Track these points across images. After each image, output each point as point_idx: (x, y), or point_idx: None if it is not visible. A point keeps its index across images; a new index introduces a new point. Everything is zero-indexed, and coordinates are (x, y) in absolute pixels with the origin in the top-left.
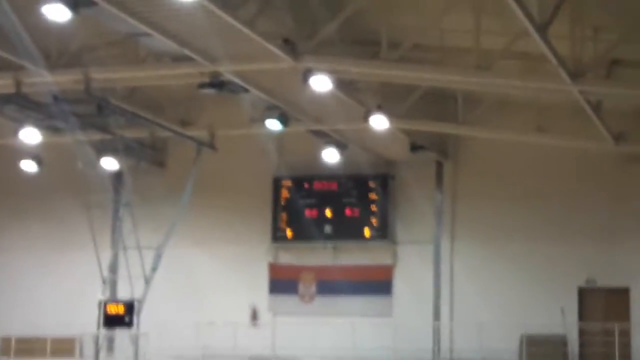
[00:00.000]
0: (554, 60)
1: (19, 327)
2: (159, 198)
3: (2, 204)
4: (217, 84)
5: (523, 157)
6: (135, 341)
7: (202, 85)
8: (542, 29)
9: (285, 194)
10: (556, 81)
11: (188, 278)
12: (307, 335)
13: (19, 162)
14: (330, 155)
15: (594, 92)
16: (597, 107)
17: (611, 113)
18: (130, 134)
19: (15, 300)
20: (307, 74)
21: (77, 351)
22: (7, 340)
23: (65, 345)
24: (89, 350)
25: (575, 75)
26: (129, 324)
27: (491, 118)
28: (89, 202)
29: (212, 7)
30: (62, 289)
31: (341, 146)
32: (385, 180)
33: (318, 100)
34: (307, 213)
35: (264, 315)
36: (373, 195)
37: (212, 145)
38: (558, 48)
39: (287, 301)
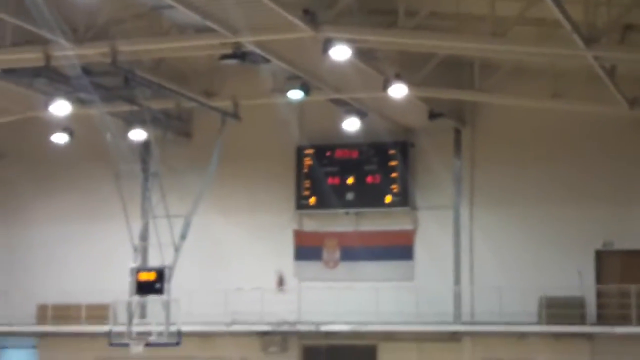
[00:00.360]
0: (568, 26)
1: (55, 295)
2: (185, 168)
3: (34, 175)
4: (239, 54)
5: (539, 122)
6: (166, 307)
7: (224, 57)
8: None
9: (307, 162)
10: (570, 47)
11: (215, 245)
12: (331, 300)
13: (50, 134)
14: (351, 124)
15: (608, 58)
16: (611, 72)
17: (625, 78)
18: (157, 105)
19: (50, 269)
20: (326, 43)
21: (110, 317)
22: (43, 308)
23: (99, 312)
24: (122, 316)
25: (590, 40)
26: (160, 291)
27: (507, 84)
28: (118, 172)
29: None
30: (95, 257)
31: (361, 114)
32: (404, 148)
33: (338, 69)
34: (330, 181)
35: (290, 281)
36: (393, 163)
37: (236, 116)
38: (572, 13)
39: (312, 267)
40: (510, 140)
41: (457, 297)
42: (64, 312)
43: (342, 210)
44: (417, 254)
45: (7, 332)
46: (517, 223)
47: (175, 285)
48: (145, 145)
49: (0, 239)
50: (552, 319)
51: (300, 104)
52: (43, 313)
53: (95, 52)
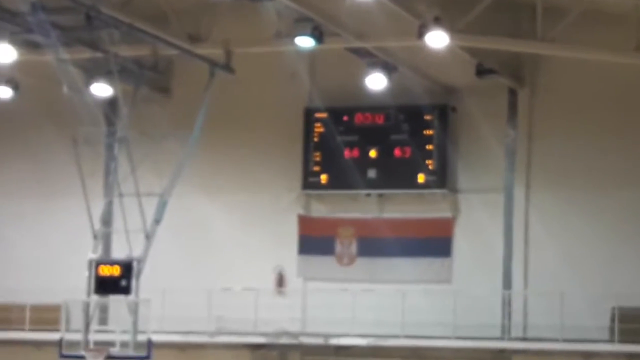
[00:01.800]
0: None
1: None
2: (162, 133)
3: None
4: None
5: (619, 82)
6: (133, 310)
7: None
8: None
9: (319, 129)
10: None
11: (198, 233)
12: (345, 306)
13: None
14: (376, 81)
15: None
16: None
17: None
18: (127, 52)
19: None
20: None
21: (62, 322)
22: None
23: (47, 315)
24: (76, 320)
25: None
26: (126, 290)
27: (579, 33)
28: (76, 137)
29: None
30: (44, 245)
31: (389, 69)
32: (444, 113)
33: (360, 10)
34: (347, 153)
35: (292, 281)
36: (429, 132)
37: (227, 67)
38: None
39: (321, 263)
40: (581, 104)
41: (507, 305)
42: (3, 314)
43: (361, 192)
44: (457, 249)
45: None
46: (587, 212)
47: (146, 282)
48: (112, 103)
49: None
50: (626, 336)
51: (310, 54)
52: None
53: None
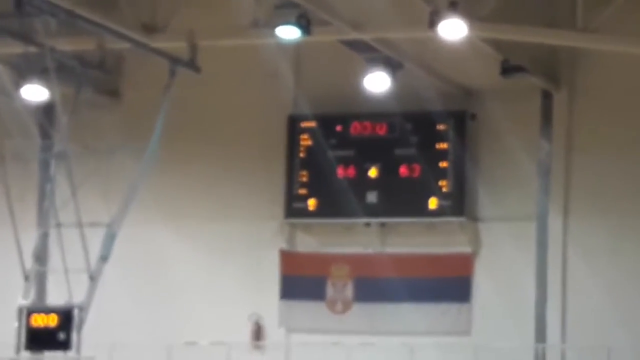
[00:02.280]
0: None
1: None
2: (110, 147)
3: None
4: None
5: None
6: None
7: None
8: None
9: (306, 142)
10: None
11: (156, 273)
12: None
13: None
14: (377, 82)
15: None
16: None
17: None
18: (66, 46)
19: None
20: None
21: None
22: None
23: None
24: None
25: None
26: (65, 344)
27: (628, 22)
28: (2, 152)
29: None
30: None
31: (393, 67)
32: (461, 121)
33: None
34: (341, 172)
35: (273, 333)
36: (443, 145)
37: (192, 65)
38: None
39: (309, 310)
40: (632, 110)
41: None
42: None
43: (359, 221)
44: (478, 293)
45: None
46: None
47: (90, 335)
48: (48, 110)
49: None
50: None
51: (295, 49)
52: None
53: None
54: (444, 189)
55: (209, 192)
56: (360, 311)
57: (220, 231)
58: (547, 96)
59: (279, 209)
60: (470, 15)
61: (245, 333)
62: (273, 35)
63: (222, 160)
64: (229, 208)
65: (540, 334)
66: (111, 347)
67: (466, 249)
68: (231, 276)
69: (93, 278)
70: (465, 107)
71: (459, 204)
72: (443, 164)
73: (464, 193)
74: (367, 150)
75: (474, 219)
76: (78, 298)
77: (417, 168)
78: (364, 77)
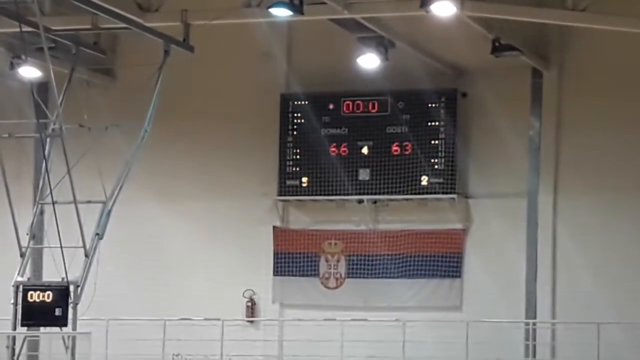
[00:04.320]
0: None
1: None
2: (105, 125)
3: None
4: None
5: None
6: (70, 347)
7: None
8: None
9: (298, 120)
10: None
11: (150, 250)
12: (331, 339)
13: None
14: (368, 61)
15: None
16: None
17: None
18: (60, 24)
19: None
20: None
21: None
22: None
23: None
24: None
25: None
26: (61, 320)
27: (618, 2)
28: None
29: None
30: None
31: (385, 47)
32: (452, 100)
33: None
34: (333, 150)
35: (267, 309)
36: (434, 123)
37: (185, 44)
38: None
39: (302, 286)
40: (621, 88)
41: (531, 336)
42: None
43: (351, 198)
44: (469, 269)
45: None
46: (628, 222)
47: (86, 311)
48: (42, 89)
49: None
50: None
51: (288, 28)
52: None
53: None
54: (436, 167)
55: (203, 170)
56: (353, 287)
57: (214, 209)
58: (537, 75)
59: (272, 186)
60: None
61: (239, 309)
62: (266, 14)
63: (215, 138)
64: (223, 186)
65: (531, 310)
66: (107, 323)
67: (457, 225)
68: (225, 253)
69: (88, 255)
70: (456, 86)
71: (450, 181)
72: (434, 142)
73: (455, 170)
74: (359, 129)
75: (465, 196)
76: (74, 275)
77: (408, 146)
78: (355, 56)
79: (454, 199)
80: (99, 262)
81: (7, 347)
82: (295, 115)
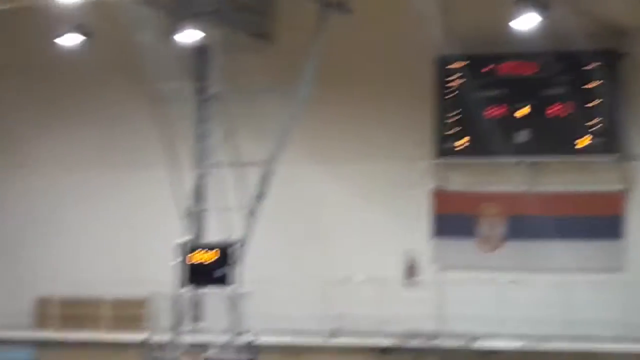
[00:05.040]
0: None
1: (63, 284)
2: (263, 89)
3: (32, 99)
4: None
5: None
6: (234, 306)
7: None
8: None
9: (455, 82)
10: None
11: (310, 211)
12: (491, 301)
13: (56, 35)
14: (526, 22)
15: None
16: None
17: None
18: None
19: (56, 245)
20: None
21: (147, 319)
22: (45, 303)
23: (130, 311)
24: (164, 317)
25: None
26: (224, 280)
27: None
28: (158, 94)
29: None
30: (123, 227)
31: (543, 6)
32: (612, 60)
33: None
34: (490, 112)
35: (426, 270)
36: (593, 84)
37: (342, 7)
38: None
39: (461, 248)
40: None
41: None
42: (77, 311)
43: (509, 160)
44: (631, 230)
45: None
46: None
47: (248, 271)
48: (201, 53)
49: None
50: None
51: None
52: (45, 311)
53: None
54: (595, 128)
55: (359, 133)
56: (512, 249)
57: (371, 171)
58: None
59: (428, 149)
60: None
61: (398, 270)
62: None
63: (371, 101)
64: (380, 148)
65: None
66: (268, 283)
67: (618, 187)
68: (383, 214)
69: (250, 216)
70: (616, 46)
71: (610, 142)
72: (593, 103)
73: (615, 131)
74: (517, 90)
75: (626, 157)
76: (236, 235)
77: (567, 107)
78: (512, 17)
79: (614, 160)
80: (260, 222)
81: (172, 306)
82: (452, 77)
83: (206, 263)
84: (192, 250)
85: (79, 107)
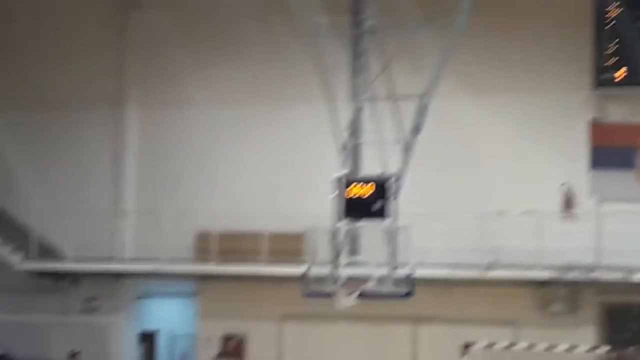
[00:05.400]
0: None
1: (222, 218)
2: (418, 20)
3: (185, 35)
4: None
5: None
6: (391, 239)
7: None
8: None
9: (613, 12)
10: None
11: (464, 143)
12: None
13: None
14: None
15: None
16: None
17: None
18: None
19: (215, 180)
20: None
21: (305, 253)
22: (205, 237)
23: (287, 245)
24: (322, 251)
25: None
26: (381, 213)
27: None
28: (314, 29)
29: None
30: (281, 162)
31: None
32: None
33: None
34: None
35: (584, 202)
36: None
37: None
38: None
39: (619, 180)
40: None
41: None
42: (236, 245)
43: None
44: None
45: (153, 273)
46: None
47: (404, 205)
48: None
49: (142, 137)
50: None
51: None
52: (205, 246)
53: None
54: None
55: (516, 64)
56: None
57: (527, 102)
58: None
59: (586, 79)
60: None
61: (555, 202)
62: None
63: (528, 31)
64: (535, 78)
65: None
66: (425, 216)
67: None
68: (540, 146)
69: (406, 149)
70: None
71: None
72: None
73: None
74: None
75: None
76: (393, 169)
77: None
78: None
79: None
80: (416, 155)
81: (330, 240)
82: (610, 7)
83: (363, 197)
84: (348, 184)
85: (233, 43)
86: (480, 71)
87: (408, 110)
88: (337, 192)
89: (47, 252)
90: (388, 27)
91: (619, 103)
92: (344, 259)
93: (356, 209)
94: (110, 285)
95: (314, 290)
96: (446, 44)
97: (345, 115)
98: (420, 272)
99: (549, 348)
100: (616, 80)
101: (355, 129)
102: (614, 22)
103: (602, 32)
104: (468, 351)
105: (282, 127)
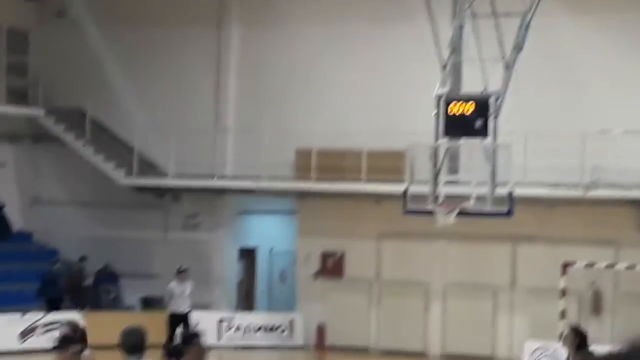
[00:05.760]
0: None
1: (321, 136)
2: None
3: None
4: None
5: None
6: (491, 157)
7: None
8: None
9: None
10: None
11: (566, 62)
12: None
13: None
14: None
15: None
16: None
17: None
18: None
19: (317, 97)
20: None
21: (406, 171)
22: (305, 155)
23: (388, 163)
24: (422, 169)
25: None
26: (482, 132)
27: None
28: None
29: None
30: (381, 79)
31: None
32: None
33: None
34: None
35: None
36: None
37: None
38: None
39: None
40: None
41: None
42: (336, 162)
43: None
44: None
45: (253, 190)
46: None
47: (505, 123)
48: None
49: (243, 54)
50: None
51: None
52: (304, 163)
53: None
54: None
55: None
56: None
57: (630, 21)
58: None
59: None
60: None
61: None
62: None
63: None
64: None
65: None
66: (525, 135)
67: None
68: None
69: (508, 67)
70: None
71: None
72: None
73: None
74: None
75: None
76: (493, 87)
77: None
78: None
79: None
80: (518, 74)
81: (430, 157)
82: None
83: (464, 115)
84: (449, 102)
85: None
86: None
87: (509, 29)
88: (437, 110)
89: (149, 168)
90: None
91: None
92: (443, 177)
93: (456, 127)
94: (210, 202)
95: (414, 208)
96: None
97: (446, 34)
98: (520, 191)
99: None
100: None
101: (456, 47)
102: None
103: None
104: (567, 270)
105: (384, 45)
